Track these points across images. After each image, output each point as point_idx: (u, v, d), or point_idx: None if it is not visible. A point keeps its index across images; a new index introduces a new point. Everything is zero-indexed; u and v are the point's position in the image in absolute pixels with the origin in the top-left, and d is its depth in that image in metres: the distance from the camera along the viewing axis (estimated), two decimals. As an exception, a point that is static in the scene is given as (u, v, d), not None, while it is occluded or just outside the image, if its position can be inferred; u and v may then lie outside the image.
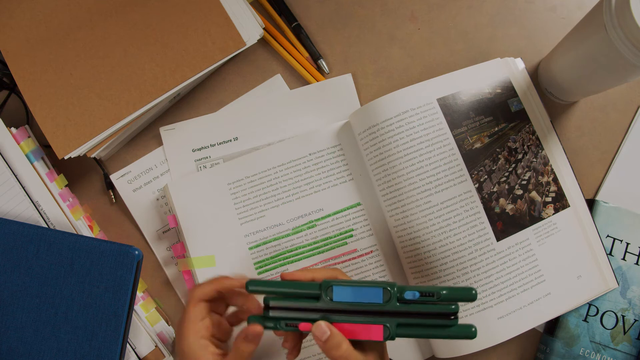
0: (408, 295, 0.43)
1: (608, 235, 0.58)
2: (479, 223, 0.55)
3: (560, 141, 0.59)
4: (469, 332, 0.43)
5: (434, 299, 0.43)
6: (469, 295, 0.43)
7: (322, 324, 0.43)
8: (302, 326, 0.44)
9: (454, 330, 0.43)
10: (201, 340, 0.45)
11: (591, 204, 0.59)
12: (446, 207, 0.55)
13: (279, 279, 0.46)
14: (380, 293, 0.43)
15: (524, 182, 0.57)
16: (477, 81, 0.58)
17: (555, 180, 0.57)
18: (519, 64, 0.60)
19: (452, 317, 0.43)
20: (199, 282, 0.48)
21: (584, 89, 0.57)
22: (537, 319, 0.55)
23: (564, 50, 0.55)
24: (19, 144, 0.55)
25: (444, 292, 0.43)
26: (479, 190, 0.55)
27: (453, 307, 0.43)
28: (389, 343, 0.49)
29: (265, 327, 0.44)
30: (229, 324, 0.49)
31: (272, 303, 0.44)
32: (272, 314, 0.44)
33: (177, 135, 0.62)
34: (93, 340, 0.51)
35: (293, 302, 0.44)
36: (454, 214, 0.55)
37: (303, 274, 0.46)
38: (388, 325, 0.43)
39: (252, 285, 0.45)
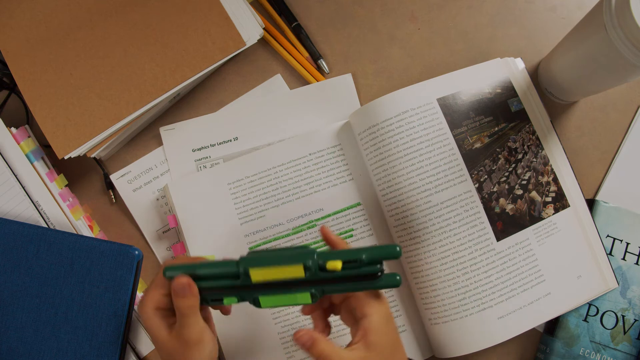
0: (330, 266, 0.42)
1: (608, 235, 0.58)
2: (479, 223, 0.55)
3: (560, 141, 0.59)
4: (394, 281, 0.43)
5: (357, 264, 0.42)
6: (392, 252, 0.42)
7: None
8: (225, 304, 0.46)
9: (381, 283, 0.43)
10: (155, 311, 0.45)
11: (591, 204, 0.59)
12: (446, 207, 0.55)
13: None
14: (301, 269, 0.43)
15: (524, 182, 0.57)
16: (477, 81, 0.58)
17: (555, 180, 0.57)
18: (519, 64, 0.60)
19: (379, 275, 0.43)
20: (175, 259, 0.48)
21: (584, 89, 0.57)
22: (537, 319, 0.55)
23: (564, 50, 0.55)
24: (19, 144, 0.55)
25: (364, 256, 0.42)
26: (479, 190, 0.55)
27: (377, 267, 0.42)
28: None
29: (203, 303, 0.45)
30: None
31: (199, 284, 0.45)
32: (202, 294, 0.45)
33: (177, 135, 0.62)
34: (93, 340, 0.51)
35: (214, 283, 0.45)
36: (454, 214, 0.55)
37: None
38: (314, 291, 0.43)
39: (169, 271, 0.45)
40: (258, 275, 0.44)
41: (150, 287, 0.45)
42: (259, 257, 0.45)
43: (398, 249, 0.42)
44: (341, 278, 0.43)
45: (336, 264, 0.42)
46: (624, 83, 0.53)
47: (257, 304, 0.45)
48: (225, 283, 0.45)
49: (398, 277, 0.43)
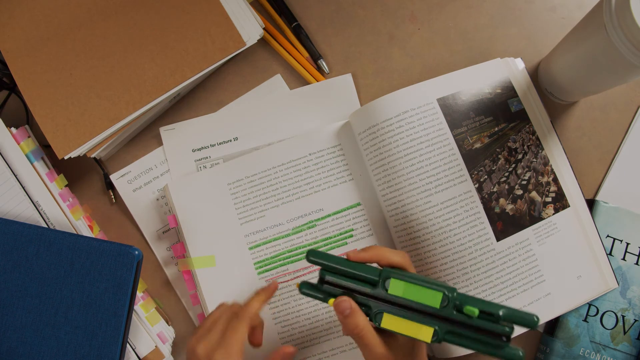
0: (467, 310, 0.41)
1: (608, 235, 0.58)
2: (479, 223, 0.55)
3: (560, 141, 0.59)
4: (517, 356, 0.41)
5: (493, 318, 0.41)
6: (530, 321, 0.41)
7: (346, 299, 0.44)
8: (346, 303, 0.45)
9: (503, 352, 0.41)
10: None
11: (591, 204, 0.59)
12: (446, 207, 0.55)
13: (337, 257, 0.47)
14: (439, 298, 0.42)
15: (524, 182, 0.57)
16: (477, 81, 0.58)
17: (555, 180, 0.57)
18: (519, 64, 0.60)
19: (505, 339, 0.41)
20: (246, 302, 0.50)
21: (584, 89, 0.57)
22: (537, 319, 0.55)
23: (564, 50, 0.55)
24: (19, 144, 0.55)
25: (502, 312, 0.41)
26: (479, 190, 0.55)
27: (508, 329, 0.41)
28: None
29: (308, 295, 0.47)
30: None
31: (327, 277, 0.46)
32: (325, 287, 0.46)
33: (177, 135, 0.62)
34: (93, 340, 0.51)
35: (348, 282, 0.45)
36: (454, 214, 0.55)
37: (368, 256, 0.46)
38: (438, 329, 0.42)
39: (312, 256, 0.46)
40: (397, 287, 0.44)
41: (242, 336, 0.46)
42: (401, 272, 0.45)
43: (536, 319, 0.41)
44: (469, 327, 0.42)
45: (474, 310, 0.41)
46: (624, 83, 0.53)
47: (378, 319, 0.44)
48: (358, 285, 0.45)
49: (522, 354, 0.41)
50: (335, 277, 0.46)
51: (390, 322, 0.44)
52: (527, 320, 0.41)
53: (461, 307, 0.42)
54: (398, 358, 0.44)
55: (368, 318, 0.45)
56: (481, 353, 0.42)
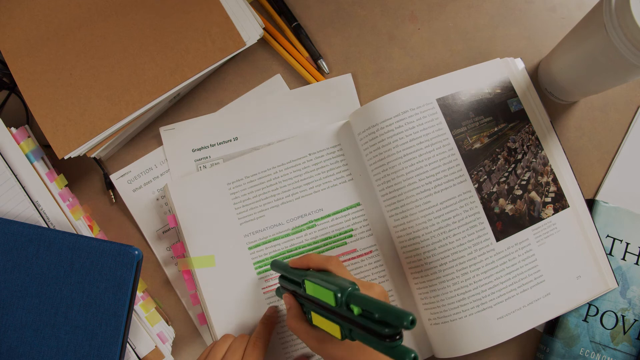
0: (353, 307, 0.42)
1: (608, 235, 0.58)
2: (478, 223, 0.55)
3: (560, 141, 0.59)
4: (407, 357, 0.38)
5: (374, 317, 0.40)
6: (400, 321, 0.37)
7: (286, 296, 0.51)
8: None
9: (393, 352, 0.39)
10: None
11: (591, 204, 0.59)
12: (446, 207, 0.55)
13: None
14: (332, 296, 0.43)
15: (524, 183, 0.57)
16: (477, 81, 0.58)
17: (555, 180, 0.57)
18: (519, 64, 0.60)
19: (387, 340, 0.39)
20: (261, 331, 0.55)
21: (584, 89, 0.57)
22: (536, 319, 0.55)
23: (563, 50, 0.55)
24: (19, 144, 0.55)
25: (377, 315, 0.39)
26: (479, 190, 0.55)
27: (387, 330, 0.39)
28: None
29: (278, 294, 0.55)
30: None
31: (280, 282, 0.54)
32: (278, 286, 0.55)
33: (177, 135, 0.62)
34: (93, 340, 0.51)
35: (288, 285, 0.52)
36: (454, 214, 0.55)
37: (299, 261, 0.52)
38: (341, 327, 0.43)
39: (273, 266, 0.55)
40: (309, 287, 0.47)
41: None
42: (316, 275, 0.48)
43: (411, 318, 0.36)
44: (362, 326, 0.41)
45: (355, 309, 0.42)
46: (624, 83, 0.53)
47: (309, 317, 0.49)
48: (295, 288, 0.50)
49: (413, 355, 0.38)
50: (285, 281, 0.53)
51: (316, 319, 0.47)
52: (399, 320, 0.37)
53: (349, 307, 0.43)
54: (332, 351, 0.46)
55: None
56: (381, 353, 0.40)
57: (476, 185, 0.55)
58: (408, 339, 0.57)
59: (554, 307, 0.55)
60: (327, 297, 0.44)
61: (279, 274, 0.55)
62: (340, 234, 0.58)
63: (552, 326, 0.57)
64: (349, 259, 0.58)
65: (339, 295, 0.43)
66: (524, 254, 0.55)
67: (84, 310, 0.51)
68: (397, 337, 0.39)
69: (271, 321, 0.56)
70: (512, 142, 0.57)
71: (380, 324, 0.40)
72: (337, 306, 0.43)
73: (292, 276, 0.51)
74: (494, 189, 0.56)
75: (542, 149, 0.58)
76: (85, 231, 0.57)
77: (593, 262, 0.56)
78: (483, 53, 0.63)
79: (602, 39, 0.45)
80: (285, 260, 0.55)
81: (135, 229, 0.61)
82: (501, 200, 0.56)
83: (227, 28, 0.58)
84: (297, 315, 0.50)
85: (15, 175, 0.55)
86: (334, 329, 0.44)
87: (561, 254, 0.56)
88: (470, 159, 0.56)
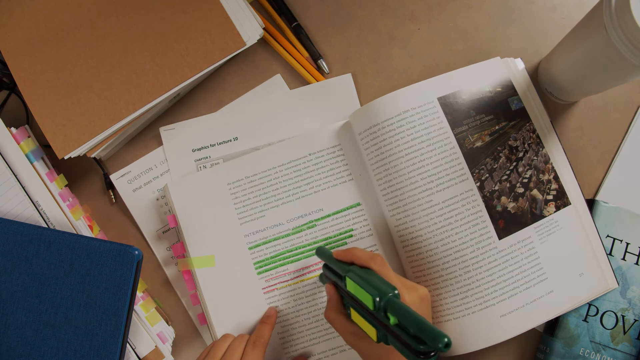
0: (390, 316, 0.42)
1: (608, 235, 0.58)
2: (480, 222, 0.55)
3: (560, 142, 0.59)
4: None
5: (409, 331, 0.40)
6: (435, 342, 0.37)
7: (328, 287, 0.52)
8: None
9: None
10: None
11: (591, 204, 0.59)
12: (448, 205, 0.55)
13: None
14: (371, 301, 0.43)
15: (525, 180, 0.57)
16: (478, 80, 0.58)
17: (556, 178, 0.57)
18: (519, 64, 0.60)
19: (421, 357, 0.39)
20: (257, 331, 0.55)
21: (584, 89, 0.57)
22: (539, 317, 0.55)
23: (563, 50, 0.55)
24: (19, 144, 0.55)
25: (412, 330, 0.39)
26: (481, 188, 0.55)
27: (421, 347, 0.39)
28: None
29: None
30: None
31: (323, 270, 0.55)
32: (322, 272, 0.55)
33: (177, 135, 0.62)
34: (93, 340, 0.51)
35: (331, 275, 0.52)
36: (456, 212, 0.55)
37: (343, 254, 0.51)
38: (378, 330, 0.43)
39: (318, 253, 0.55)
40: (350, 285, 0.47)
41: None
42: (362, 273, 0.47)
43: (446, 340, 0.36)
44: (397, 336, 0.41)
45: (392, 318, 0.41)
46: (624, 83, 0.53)
47: (349, 312, 0.49)
48: (337, 280, 0.51)
49: None
50: (328, 271, 0.53)
51: (355, 316, 0.47)
52: (433, 341, 0.37)
53: (387, 314, 0.42)
54: (368, 350, 0.47)
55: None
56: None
57: (478, 184, 0.55)
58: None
59: (556, 305, 0.55)
60: (366, 299, 0.44)
61: (322, 263, 0.56)
62: (340, 234, 0.58)
63: (552, 326, 0.57)
64: (323, 263, 0.58)
65: (378, 300, 0.43)
66: (527, 252, 0.55)
67: (84, 310, 0.51)
68: (432, 354, 0.39)
69: (271, 321, 0.56)
70: (513, 140, 0.57)
71: (415, 338, 0.39)
72: (375, 310, 0.43)
73: (335, 268, 0.51)
74: (496, 187, 0.56)
75: (543, 147, 0.58)
76: (85, 231, 0.57)
77: (594, 260, 0.56)
78: (483, 53, 0.63)
79: (602, 39, 0.45)
80: (330, 250, 0.55)
81: (135, 229, 0.61)
82: (503, 199, 0.56)
83: (227, 28, 0.58)
84: (336, 307, 0.50)
85: (15, 175, 0.55)
86: (370, 330, 0.44)
87: (564, 251, 0.56)
88: (472, 158, 0.56)
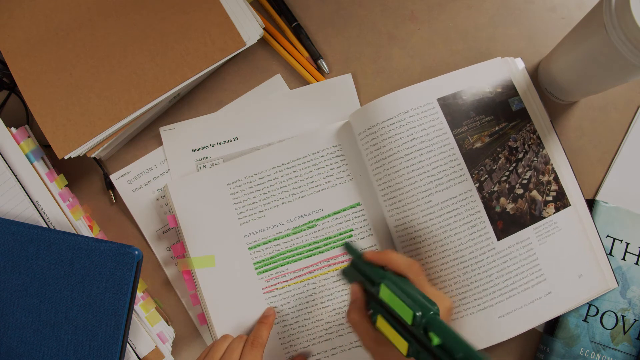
0: (431, 335, 0.41)
1: (608, 235, 0.58)
2: (479, 222, 0.55)
3: (560, 141, 0.59)
4: None
5: (454, 355, 0.39)
6: None
7: (354, 287, 0.50)
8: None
9: None
10: None
11: (591, 204, 0.59)
12: (447, 206, 0.55)
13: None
14: (410, 316, 0.42)
15: (525, 181, 0.57)
16: (478, 80, 0.58)
17: (556, 179, 0.57)
18: (519, 64, 0.60)
19: None
20: (255, 331, 0.55)
21: (584, 89, 0.57)
22: (537, 318, 0.55)
23: (563, 50, 0.55)
24: (19, 144, 0.55)
25: (460, 355, 0.39)
26: (480, 189, 0.55)
27: None
28: None
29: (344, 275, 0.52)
30: None
31: (349, 267, 0.52)
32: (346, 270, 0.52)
33: (177, 135, 0.62)
34: (93, 340, 0.51)
35: (359, 276, 0.50)
36: (455, 213, 0.55)
37: (378, 257, 0.50)
38: (410, 345, 0.42)
39: (347, 248, 0.53)
40: (384, 293, 0.45)
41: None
42: (398, 281, 0.46)
43: None
44: (435, 356, 0.40)
45: (434, 338, 0.40)
46: (624, 83, 0.53)
47: (374, 319, 0.47)
48: (366, 283, 0.48)
49: None
50: (354, 270, 0.51)
51: (382, 324, 0.45)
52: None
53: (427, 333, 0.41)
54: (387, 356, 0.46)
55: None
56: None
57: (477, 185, 0.55)
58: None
59: (555, 306, 0.55)
60: (405, 313, 0.42)
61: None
62: (340, 234, 0.58)
63: (552, 326, 0.57)
64: (349, 259, 0.58)
65: (419, 315, 0.41)
66: (525, 253, 0.55)
67: (84, 310, 0.51)
68: None
69: (269, 321, 0.56)
70: (513, 141, 0.57)
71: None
72: (413, 326, 0.42)
73: (367, 271, 0.49)
74: (495, 188, 0.56)
75: (543, 148, 0.58)
76: (85, 231, 0.57)
77: (594, 261, 0.56)
78: (483, 53, 0.63)
79: (602, 39, 0.45)
80: (360, 248, 0.53)
81: (135, 229, 0.61)
82: (502, 200, 0.56)
83: (227, 28, 0.58)
84: (360, 310, 0.48)
85: (15, 175, 0.55)
86: (401, 343, 0.43)
87: (562, 253, 0.56)
88: (471, 158, 0.56)
